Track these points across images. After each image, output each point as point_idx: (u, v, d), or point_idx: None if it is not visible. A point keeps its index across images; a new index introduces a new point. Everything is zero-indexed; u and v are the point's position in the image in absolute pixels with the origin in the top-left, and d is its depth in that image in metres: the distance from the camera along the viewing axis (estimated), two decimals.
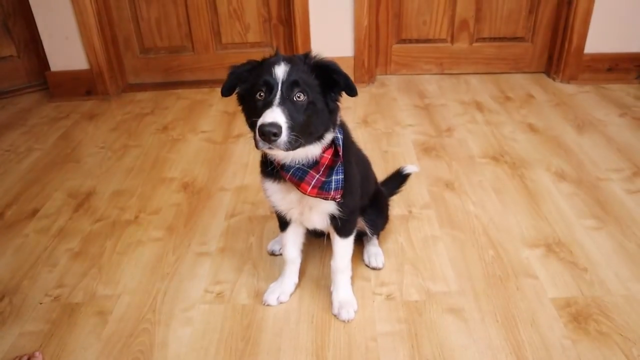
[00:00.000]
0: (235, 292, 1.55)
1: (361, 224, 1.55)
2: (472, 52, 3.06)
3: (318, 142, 1.22)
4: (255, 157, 2.27)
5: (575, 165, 2.14)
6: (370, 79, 2.99)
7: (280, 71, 1.13)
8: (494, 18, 2.96)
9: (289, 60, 1.17)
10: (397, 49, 3.04)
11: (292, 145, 1.12)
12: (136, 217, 1.93)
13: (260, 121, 1.09)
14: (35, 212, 1.99)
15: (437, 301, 1.48)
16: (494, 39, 3.03)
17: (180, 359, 1.34)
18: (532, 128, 2.45)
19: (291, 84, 1.13)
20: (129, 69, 3.11)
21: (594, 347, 1.33)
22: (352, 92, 1.19)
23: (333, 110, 1.21)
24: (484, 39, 3.03)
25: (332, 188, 1.26)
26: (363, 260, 1.63)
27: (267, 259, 1.68)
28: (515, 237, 1.73)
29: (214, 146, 2.40)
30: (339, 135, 1.27)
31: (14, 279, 1.65)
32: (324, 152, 1.24)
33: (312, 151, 1.23)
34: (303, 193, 1.26)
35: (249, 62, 1.23)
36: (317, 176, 1.24)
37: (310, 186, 1.24)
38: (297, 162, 1.23)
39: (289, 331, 1.41)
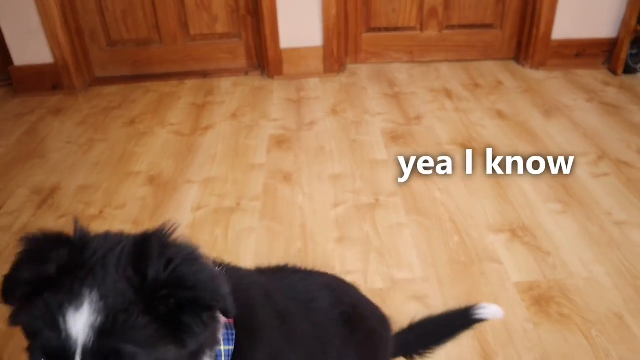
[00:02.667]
0: None
1: None
2: (441, 40, 3.06)
3: None
4: (223, 149, 2.25)
5: (542, 150, 2.15)
6: (340, 68, 2.98)
7: (80, 325, 0.53)
8: (463, 5, 2.96)
9: (102, 282, 0.55)
10: (366, 37, 3.03)
11: None
12: (101, 212, 1.90)
13: None
14: None
15: (401, 288, 1.48)
16: (464, 27, 3.03)
17: None
18: (500, 114, 2.47)
19: (103, 356, 0.53)
20: (96, 63, 3.06)
21: (555, 330, 1.34)
22: (227, 314, 0.62)
23: (197, 351, 0.62)
24: (453, 27, 3.03)
25: None
26: None
27: (232, 250, 1.66)
28: (481, 222, 1.74)
29: (181, 138, 2.37)
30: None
31: None
32: None
33: None
34: None
35: (32, 258, 0.59)
36: None
37: None
38: None
39: None
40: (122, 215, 1.87)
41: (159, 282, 0.56)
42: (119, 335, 0.53)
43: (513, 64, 3.05)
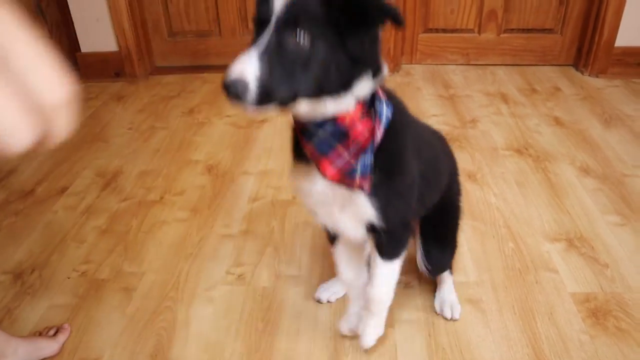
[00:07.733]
0: (256, 275, 1.58)
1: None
2: (499, 43, 3.02)
3: (341, 97, 0.83)
4: (279, 143, 2.29)
5: (601, 160, 2.12)
6: (395, 67, 2.98)
7: (277, 4, 0.77)
8: (523, 8, 2.92)
9: None
10: (423, 38, 3.03)
11: (282, 102, 0.79)
12: (161, 198, 1.97)
13: (225, 75, 0.76)
14: (64, 189, 2.04)
15: (455, 290, 1.49)
16: (522, 30, 2.99)
17: (202, 337, 1.38)
18: (557, 121, 2.43)
19: (288, 21, 0.76)
20: (157, 52, 3.15)
21: (612, 343, 1.33)
22: (398, 22, 0.78)
23: (359, 58, 0.81)
24: (512, 30, 2.99)
25: (356, 174, 0.88)
26: (434, 307, 1.45)
27: (288, 242, 1.70)
28: (537, 230, 1.73)
29: (238, 130, 2.42)
30: (382, 106, 0.88)
31: (44, 253, 1.70)
32: (356, 119, 0.85)
33: (336, 107, 0.83)
34: (323, 175, 0.88)
35: None
36: (346, 156, 0.86)
37: (334, 166, 0.87)
38: (321, 125, 0.85)
39: (308, 314, 1.44)
40: (181, 201, 1.94)
41: None
42: (301, 7, 0.77)
43: (571, 71, 2.99)
